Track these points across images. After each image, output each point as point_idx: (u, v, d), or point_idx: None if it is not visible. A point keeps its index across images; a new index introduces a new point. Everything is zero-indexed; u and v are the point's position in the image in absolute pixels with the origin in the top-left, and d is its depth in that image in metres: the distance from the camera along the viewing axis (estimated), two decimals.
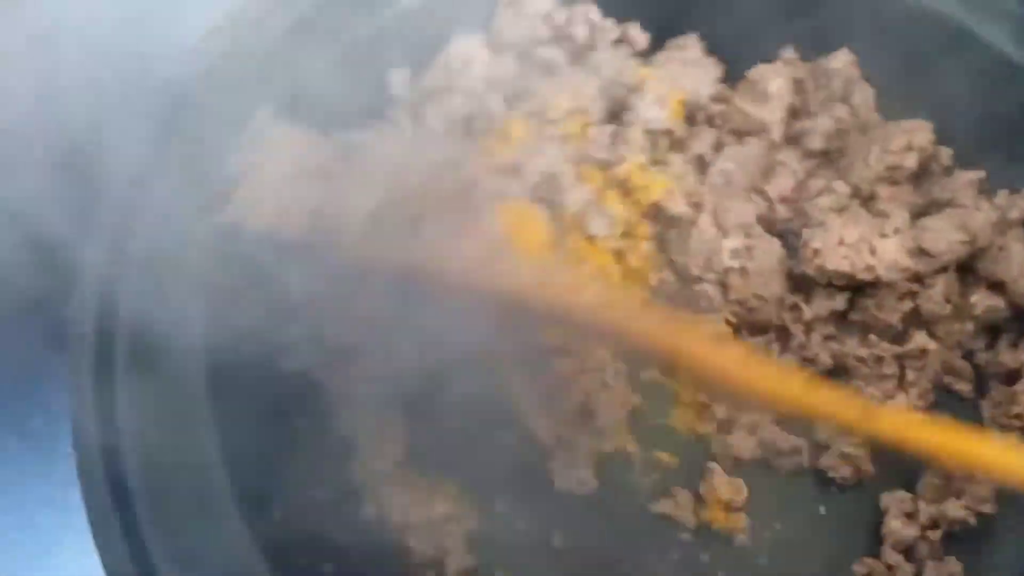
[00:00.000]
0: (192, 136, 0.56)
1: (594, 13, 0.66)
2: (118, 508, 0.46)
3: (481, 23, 0.65)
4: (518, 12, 0.66)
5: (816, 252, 0.58)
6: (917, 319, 0.59)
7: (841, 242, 0.58)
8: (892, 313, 0.59)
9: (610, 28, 0.67)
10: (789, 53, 0.69)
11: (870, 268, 0.58)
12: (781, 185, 0.64)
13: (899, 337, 0.59)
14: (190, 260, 0.52)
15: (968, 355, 0.61)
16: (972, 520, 0.55)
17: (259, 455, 0.50)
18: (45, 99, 0.55)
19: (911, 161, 0.63)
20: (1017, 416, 0.57)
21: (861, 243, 0.58)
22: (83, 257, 0.52)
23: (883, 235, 0.59)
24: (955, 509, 0.55)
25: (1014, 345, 0.59)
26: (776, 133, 0.66)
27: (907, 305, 0.59)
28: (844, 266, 0.58)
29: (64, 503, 0.50)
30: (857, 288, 0.59)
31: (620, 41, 0.67)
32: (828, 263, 0.58)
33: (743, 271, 0.60)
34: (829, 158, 0.66)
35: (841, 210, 0.61)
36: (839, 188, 0.62)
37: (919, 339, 0.59)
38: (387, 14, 0.63)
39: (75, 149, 0.59)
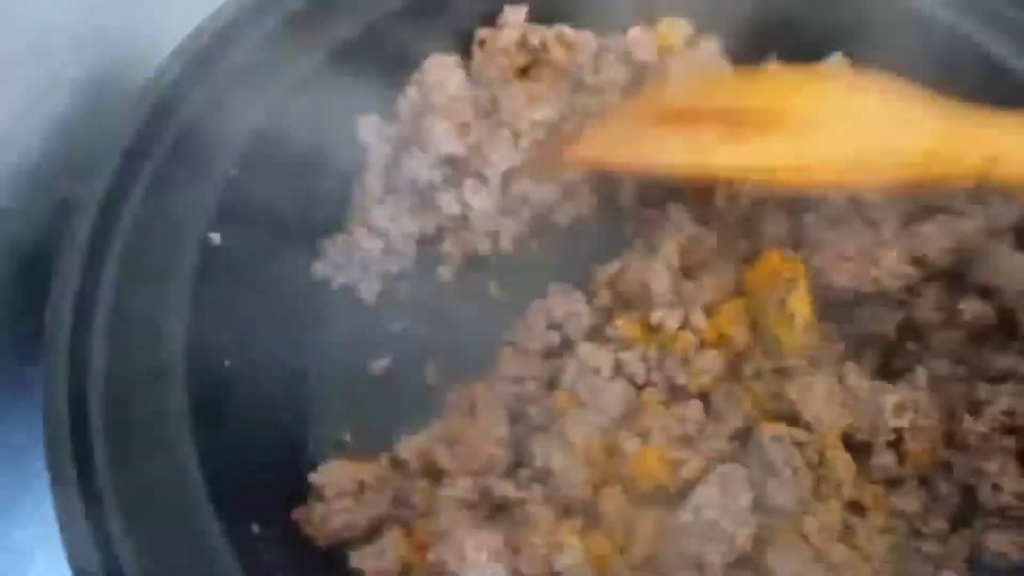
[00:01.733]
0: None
1: None
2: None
3: None
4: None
5: (817, 272, 0.57)
6: (911, 329, 0.58)
7: (842, 256, 0.57)
8: (886, 324, 0.58)
9: None
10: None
11: (875, 280, 0.56)
12: None
13: (893, 348, 0.59)
14: None
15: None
16: None
17: None
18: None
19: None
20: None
21: (862, 255, 0.57)
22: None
23: (881, 244, 0.57)
24: None
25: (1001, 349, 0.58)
26: None
27: (899, 315, 0.58)
28: (847, 281, 0.57)
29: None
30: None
31: None
32: (834, 281, 0.57)
33: None
34: None
35: (835, 222, 0.60)
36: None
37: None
38: None
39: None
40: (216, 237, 0.57)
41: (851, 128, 0.57)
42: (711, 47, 0.72)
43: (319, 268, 0.68)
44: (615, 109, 0.70)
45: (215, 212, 0.57)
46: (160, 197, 0.55)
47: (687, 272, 0.62)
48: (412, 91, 0.70)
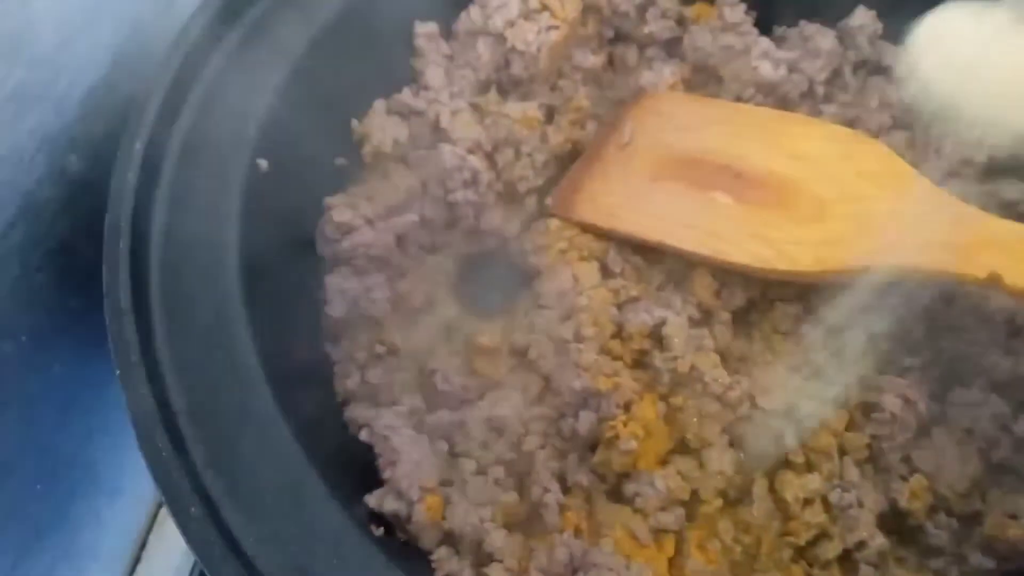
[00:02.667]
0: None
1: None
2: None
3: None
4: None
5: None
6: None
7: None
8: None
9: None
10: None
11: None
12: None
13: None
14: None
15: None
16: None
17: None
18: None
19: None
20: None
21: None
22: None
23: None
24: None
25: None
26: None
27: None
28: None
29: None
30: None
31: None
32: None
33: None
34: None
35: None
36: None
37: None
38: None
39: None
40: (264, 164, 0.57)
41: (861, 216, 0.58)
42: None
43: None
44: (608, 142, 0.69)
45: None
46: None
47: None
48: (474, 10, 0.70)
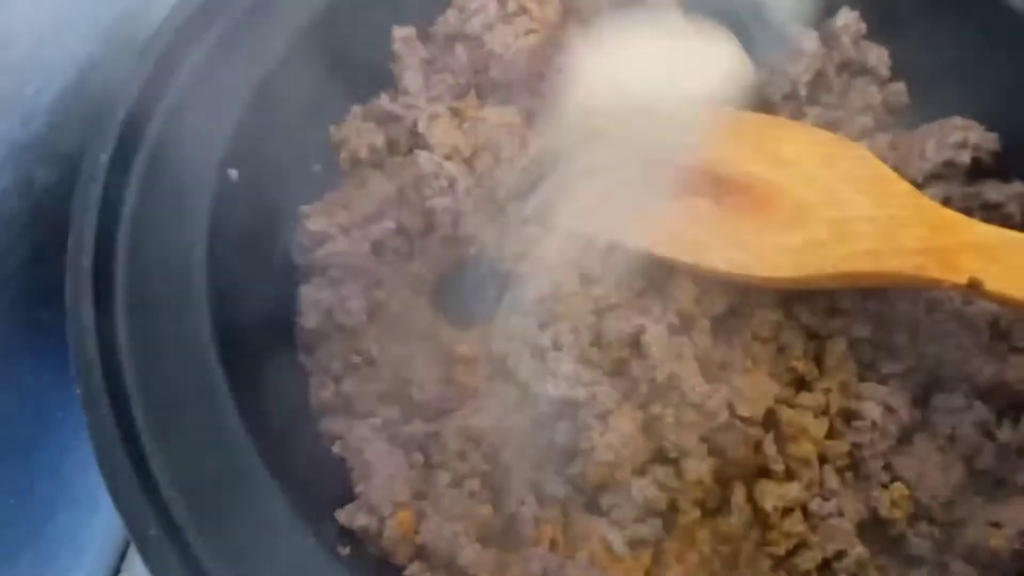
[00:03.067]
0: None
1: None
2: None
3: None
4: None
5: None
6: None
7: None
8: None
9: None
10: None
11: None
12: None
13: None
14: None
15: None
16: None
17: None
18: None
19: (965, 158, 0.64)
20: None
21: None
22: None
23: None
24: None
25: None
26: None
27: None
28: None
29: None
30: None
31: None
32: None
33: None
34: None
35: None
36: None
37: None
38: None
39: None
40: (234, 173, 0.56)
41: (842, 221, 0.58)
42: None
43: None
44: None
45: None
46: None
47: None
48: (452, 14, 0.70)
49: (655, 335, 0.59)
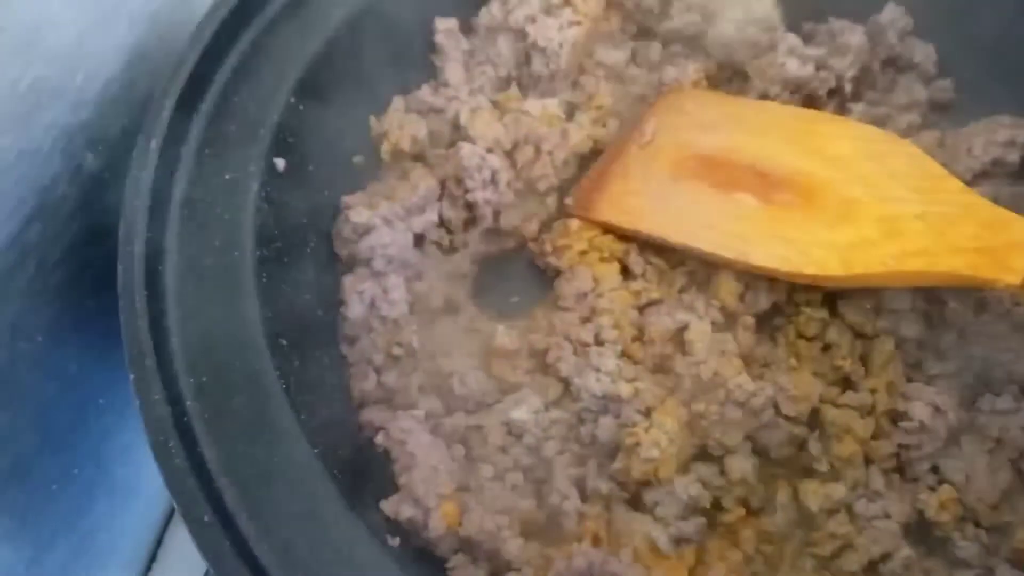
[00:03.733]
0: None
1: None
2: None
3: None
4: None
5: None
6: None
7: None
8: None
9: None
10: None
11: None
12: None
13: None
14: None
15: None
16: None
17: None
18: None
19: (1014, 156, 0.64)
20: None
21: None
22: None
23: None
24: None
25: None
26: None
27: None
28: None
29: None
30: None
31: None
32: None
33: None
34: None
35: None
36: None
37: None
38: None
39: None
40: (281, 163, 0.56)
41: (891, 219, 0.57)
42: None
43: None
44: (630, 141, 0.67)
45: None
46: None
47: None
48: (495, 6, 0.69)
49: (698, 331, 0.58)
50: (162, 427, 0.42)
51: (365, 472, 0.52)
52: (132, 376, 0.43)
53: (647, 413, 0.55)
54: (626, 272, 0.64)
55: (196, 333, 0.46)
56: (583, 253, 0.64)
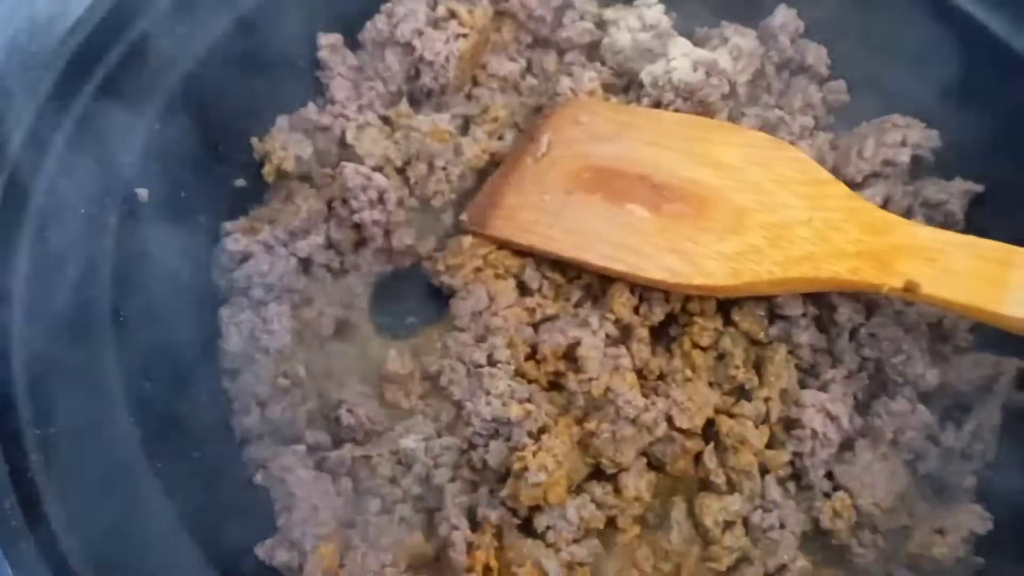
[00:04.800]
0: None
1: None
2: None
3: None
4: None
5: None
6: None
7: None
8: None
9: None
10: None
11: None
12: None
13: None
14: None
15: None
16: None
17: None
18: None
19: (904, 156, 0.64)
20: None
21: None
22: None
23: None
24: None
25: None
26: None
27: None
28: None
29: None
30: None
31: None
32: None
33: None
34: None
35: None
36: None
37: None
38: None
39: None
40: (144, 193, 0.54)
41: (778, 226, 0.56)
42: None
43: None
44: (524, 154, 0.66)
45: None
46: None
47: None
48: (380, 19, 0.67)
49: (590, 347, 0.57)
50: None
51: (247, 515, 0.50)
52: None
53: (538, 435, 0.54)
54: (522, 288, 0.62)
55: (42, 374, 0.44)
56: (478, 270, 0.63)
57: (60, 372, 0.44)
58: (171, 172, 0.56)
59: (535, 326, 0.60)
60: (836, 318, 0.59)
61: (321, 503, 0.50)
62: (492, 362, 0.58)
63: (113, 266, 0.49)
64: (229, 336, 0.56)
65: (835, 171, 0.64)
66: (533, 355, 0.59)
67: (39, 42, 0.60)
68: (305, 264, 0.62)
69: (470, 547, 0.51)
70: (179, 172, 0.57)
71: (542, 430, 0.54)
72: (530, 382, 0.58)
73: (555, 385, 0.58)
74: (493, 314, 0.60)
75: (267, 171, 0.64)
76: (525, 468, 0.52)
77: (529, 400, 0.56)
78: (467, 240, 0.64)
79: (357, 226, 0.63)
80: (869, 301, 0.59)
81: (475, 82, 0.72)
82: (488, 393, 0.55)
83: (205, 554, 0.42)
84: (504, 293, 0.61)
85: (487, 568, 0.51)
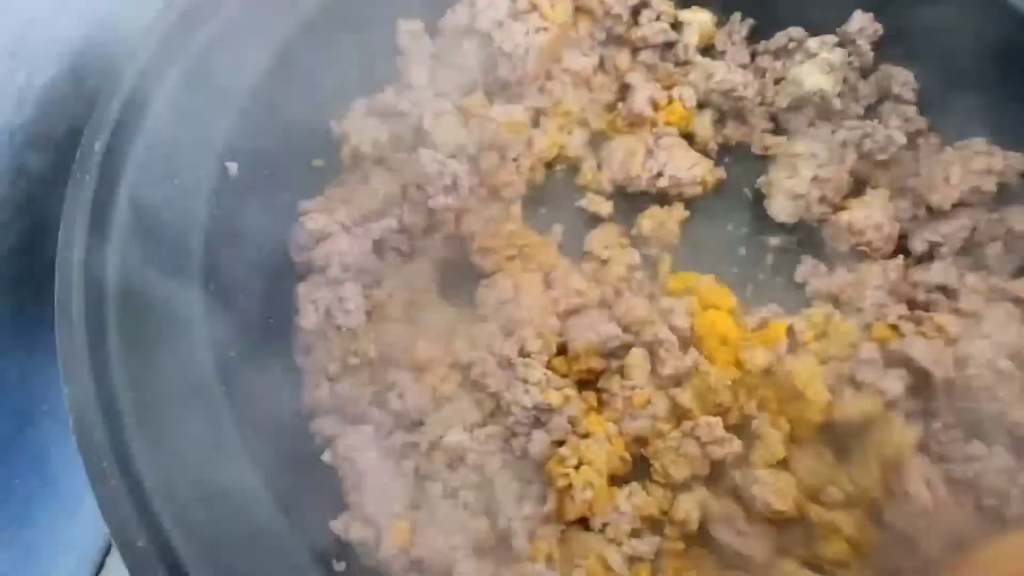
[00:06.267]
0: None
1: None
2: None
3: None
4: None
5: None
6: None
7: None
8: None
9: None
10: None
11: None
12: None
13: None
14: None
15: None
16: None
17: None
18: None
19: (991, 185, 0.62)
20: None
21: None
22: None
23: None
24: None
25: None
26: None
27: None
28: None
29: None
30: None
31: None
32: None
33: None
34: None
35: None
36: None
37: None
38: None
39: None
40: (233, 167, 0.54)
41: None
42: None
43: None
44: None
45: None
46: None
47: None
48: (461, 9, 0.68)
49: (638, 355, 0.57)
50: (96, 447, 0.40)
51: (315, 490, 0.51)
52: (66, 391, 0.41)
53: (580, 422, 0.54)
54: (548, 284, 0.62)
55: (136, 343, 0.44)
56: (510, 258, 0.62)
57: (153, 339, 0.45)
58: (257, 150, 0.57)
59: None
60: None
61: (391, 482, 0.51)
62: (524, 354, 0.57)
63: (202, 239, 0.50)
64: (306, 313, 0.57)
65: (918, 198, 0.64)
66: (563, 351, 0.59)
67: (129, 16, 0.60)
68: (377, 246, 0.62)
69: (532, 536, 0.52)
70: (264, 150, 0.57)
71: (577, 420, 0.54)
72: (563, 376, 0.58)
73: (585, 383, 0.58)
74: (518, 305, 0.60)
75: (345, 153, 0.64)
76: (570, 486, 0.51)
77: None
78: (508, 227, 0.64)
79: (430, 211, 0.63)
80: None
81: (548, 75, 0.72)
82: (526, 381, 0.55)
83: (291, 525, 0.42)
84: (530, 286, 0.61)
85: (550, 557, 0.51)
